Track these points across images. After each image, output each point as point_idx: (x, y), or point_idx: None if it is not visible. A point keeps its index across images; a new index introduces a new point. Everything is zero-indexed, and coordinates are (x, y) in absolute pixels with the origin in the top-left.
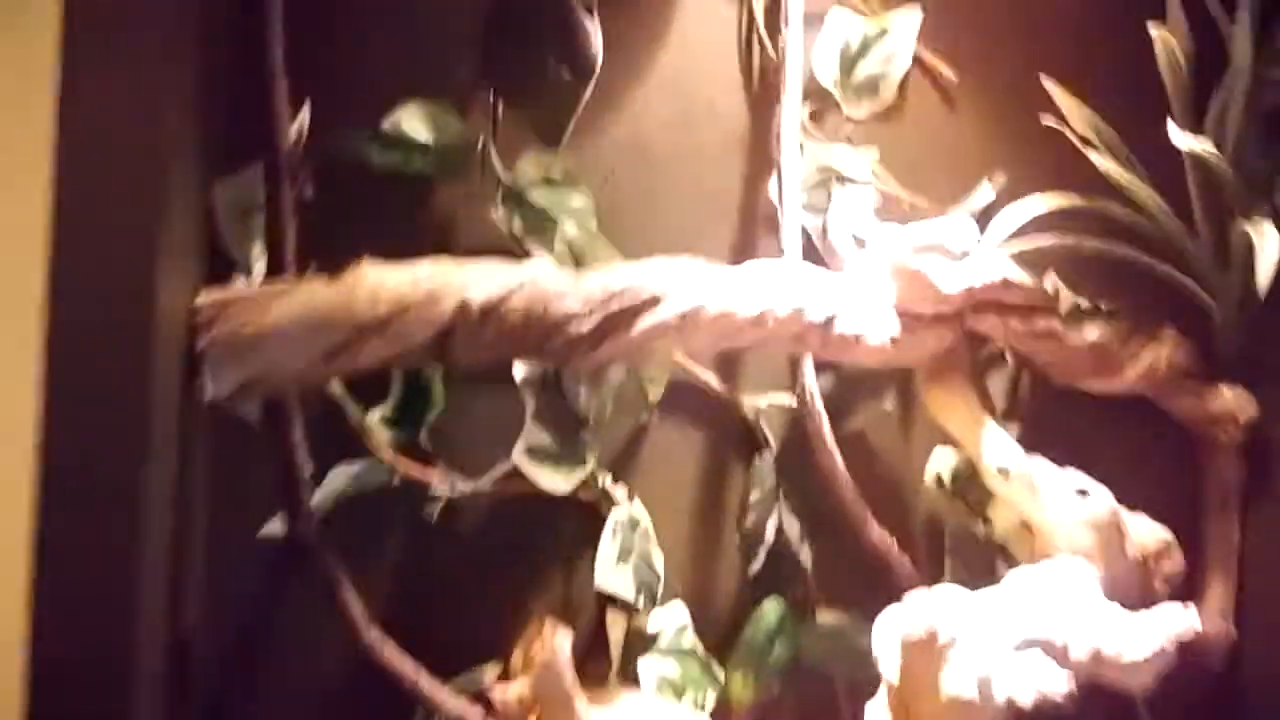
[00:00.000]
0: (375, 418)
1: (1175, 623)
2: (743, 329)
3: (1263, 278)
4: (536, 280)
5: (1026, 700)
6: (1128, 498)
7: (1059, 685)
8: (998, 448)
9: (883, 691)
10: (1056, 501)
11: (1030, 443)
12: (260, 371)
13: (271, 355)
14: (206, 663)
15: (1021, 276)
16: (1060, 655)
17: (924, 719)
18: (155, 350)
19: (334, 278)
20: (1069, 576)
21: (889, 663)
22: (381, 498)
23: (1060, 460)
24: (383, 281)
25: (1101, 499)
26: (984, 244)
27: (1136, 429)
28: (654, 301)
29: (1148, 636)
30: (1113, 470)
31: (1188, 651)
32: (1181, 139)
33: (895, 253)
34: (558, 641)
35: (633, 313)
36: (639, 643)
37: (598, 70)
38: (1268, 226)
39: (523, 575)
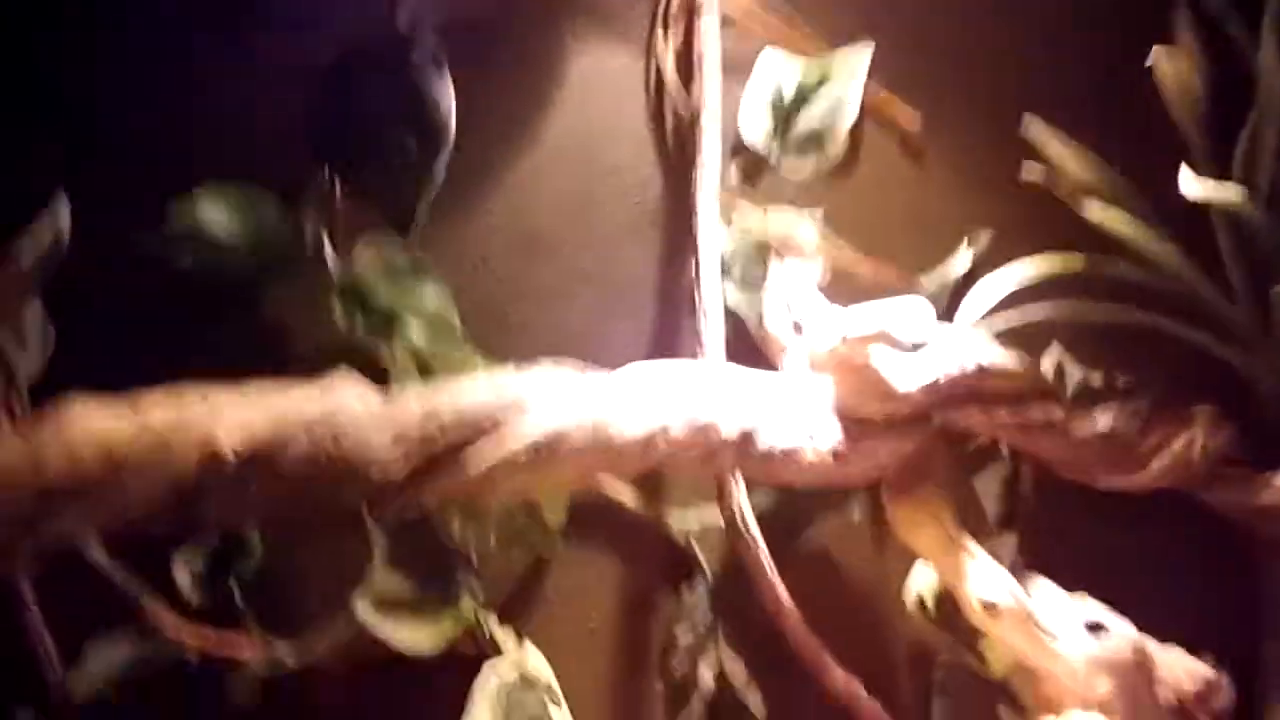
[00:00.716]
0: (183, 572)
1: None
2: (626, 456)
3: None
4: (331, 410)
5: None
6: (1160, 621)
7: None
8: (982, 576)
9: None
10: (1062, 639)
11: (1034, 555)
12: None
13: None
14: None
15: (1004, 359)
16: None
17: None
18: None
19: (28, 426)
20: None
21: None
22: (183, 677)
23: (1071, 577)
24: (89, 428)
25: (1120, 635)
26: (957, 322)
27: (1171, 531)
28: (495, 429)
29: None
30: (1142, 585)
31: None
32: (1194, 186)
33: (836, 343)
34: None
35: (467, 449)
36: None
37: (450, 138)
38: None
39: None
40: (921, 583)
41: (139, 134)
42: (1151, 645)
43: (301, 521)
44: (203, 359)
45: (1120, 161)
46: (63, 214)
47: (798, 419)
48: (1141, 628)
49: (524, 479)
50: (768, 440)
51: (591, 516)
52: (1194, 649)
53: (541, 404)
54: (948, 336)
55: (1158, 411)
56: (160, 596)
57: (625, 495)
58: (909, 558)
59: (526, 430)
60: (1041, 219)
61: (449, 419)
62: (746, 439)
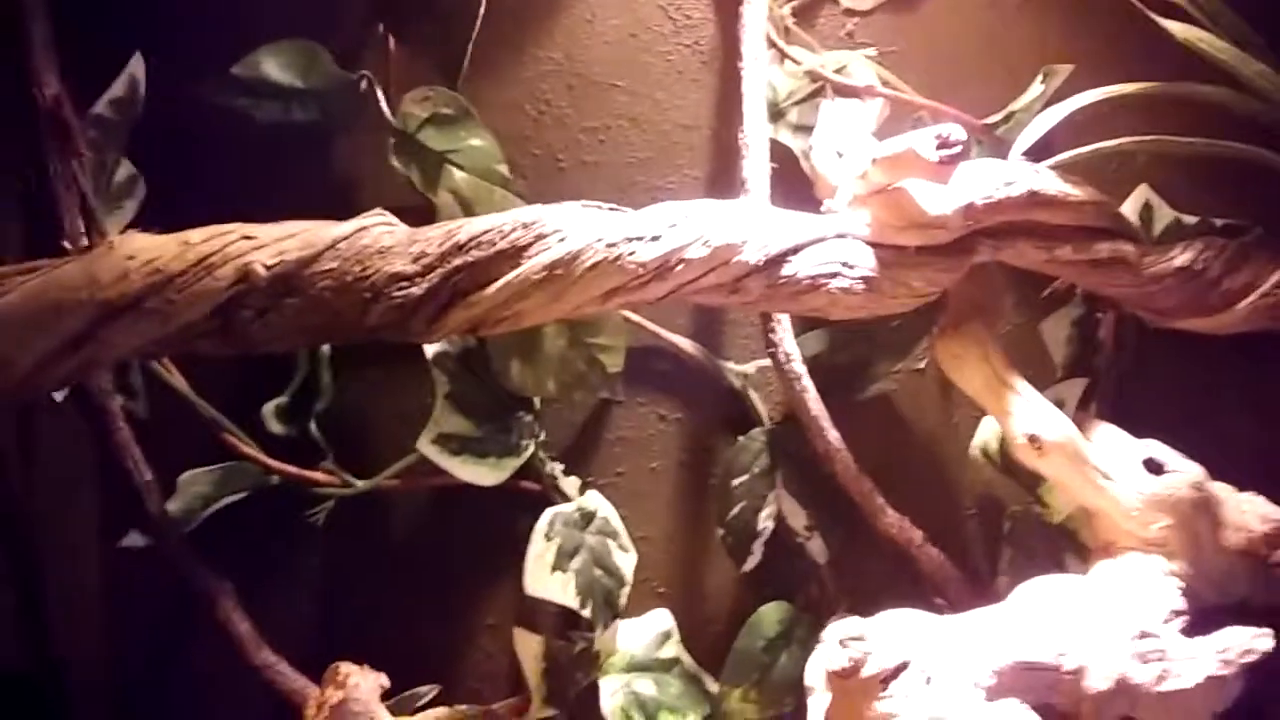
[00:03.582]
0: (270, 410)
1: (1235, 643)
2: (642, 280)
3: None
4: (357, 238)
5: None
6: (1261, 470)
7: None
8: (1028, 413)
9: None
10: (1117, 478)
11: (1117, 404)
12: None
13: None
14: (103, 688)
15: (1062, 189)
16: (1071, 687)
17: None
18: None
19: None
20: (1120, 580)
21: (818, 698)
22: (275, 500)
23: (1167, 427)
24: (138, 250)
25: (1181, 473)
26: (1014, 150)
27: (1273, 380)
28: (515, 253)
29: (1195, 663)
30: (1242, 435)
31: None
32: None
33: (867, 170)
34: (353, 681)
35: (484, 269)
36: (580, 666)
37: None
38: None
39: (458, 582)
40: (988, 432)
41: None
42: (1220, 487)
43: (371, 362)
44: (275, 203)
45: None
46: (139, 71)
47: (829, 249)
48: (1229, 479)
49: (541, 301)
50: (796, 268)
51: (651, 364)
52: None
53: (562, 231)
54: (991, 164)
55: (1249, 249)
56: (248, 433)
57: (682, 342)
58: (978, 406)
59: (544, 254)
60: (1128, 49)
61: (469, 242)
62: (772, 265)
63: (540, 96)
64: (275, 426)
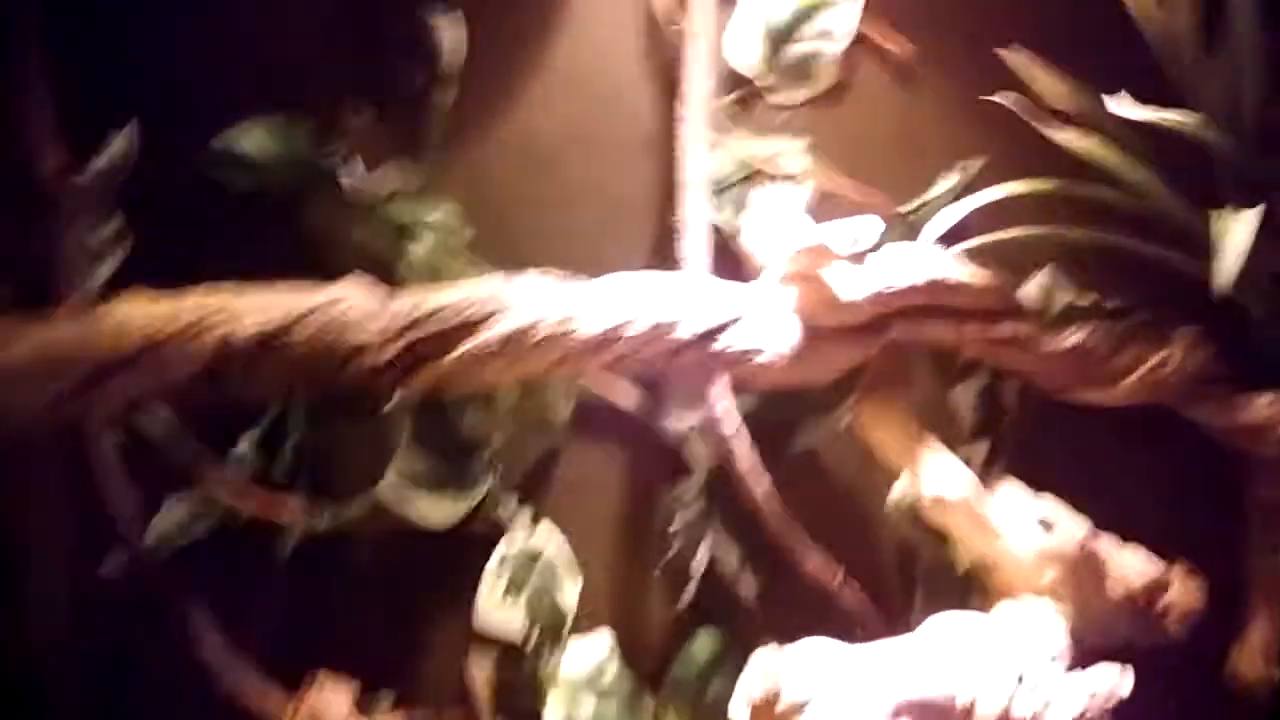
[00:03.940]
0: (244, 446)
1: (1102, 684)
2: (590, 350)
3: (1221, 276)
4: (332, 306)
5: None
6: (1152, 523)
7: None
8: (936, 473)
9: None
10: (1011, 534)
11: (1017, 462)
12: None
13: (3, 396)
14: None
15: (963, 275)
16: (961, 717)
17: None
18: None
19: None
20: (1007, 624)
21: None
22: (239, 534)
23: (1061, 485)
24: (132, 315)
25: (1068, 531)
26: (921, 239)
27: (1161, 444)
28: (470, 326)
29: (1071, 699)
30: (1130, 493)
31: (1230, 695)
32: (1132, 110)
33: (789, 257)
34: (326, 691)
35: (446, 338)
36: (524, 690)
37: (455, 72)
38: (1244, 215)
39: (416, 612)
40: (904, 485)
41: (195, 69)
42: (1105, 544)
43: (339, 406)
44: (248, 266)
45: (1105, 91)
46: (134, 135)
47: (759, 324)
48: (1122, 536)
49: (498, 367)
50: (728, 341)
51: (598, 414)
52: (1170, 557)
53: (516, 303)
54: (901, 253)
55: (1136, 330)
56: (220, 468)
57: (626, 397)
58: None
59: (500, 324)
60: (1027, 146)
61: (433, 312)
62: (706, 339)
63: (496, 172)
64: (251, 460)
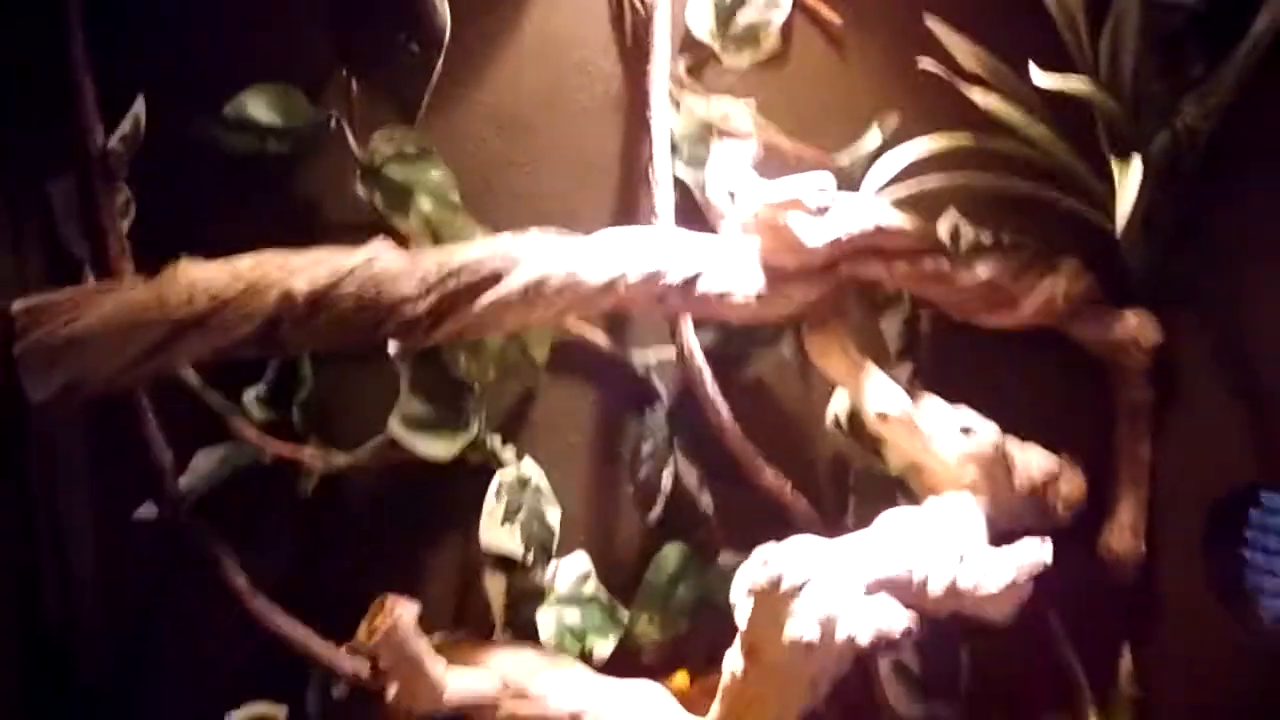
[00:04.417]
0: (250, 398)
1: (1027, 556)
2: (594, 297)
3: (1121, 211)
4: (369, 266)
5: (864, 639)
6: (1038, 425)
7: (897, 623)
8: (877, 392)
9: (737, 640)
10: (940, 440)
11: (933, 379)
12: (79, 374)
13: (88, 357)
14: (97, 645)
15: (899, 221)
16: (918, 591)
17: (770, 661)
18: None
19: (150, 277)
20: (943, 515)
21: (741, 608)
22: (263, 476)
23: (969, 394)
24: (199, 277)
25: (984, 435)
26: (864, 190)
27: (1046, 359)
28: (495, 277)
29: (1002, 571)
30: (1023, 400)
31: (1102, 566)
32: (1043, 77)
33: (758, 208)
34: (398, 611)
35: (472, 290)
36: (530, 598)
37: (446, 39)
38: (1135, 160)
39: (418, 540)
40: (839, 405)
41: (198, 41)
42: (1011, 444)
43: (349, 355)
44: (249, 227)
45: (1013, 53)
46: (141, 110)
47: (731, 269)
48: (1016, 434)
49: (517, 315)
50: (706, 285)
51: (571, 355)
52: (1057, 452)
53: (530, 258)
54: (850, 202)
55: (1030, 262)
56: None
57: (598, 337)
58: (830, 385)
59: (518, 277)
60: (942, 104)
61: (460, 268)
62: (689, 284)
63: (474, 134)
64: (257, 413)
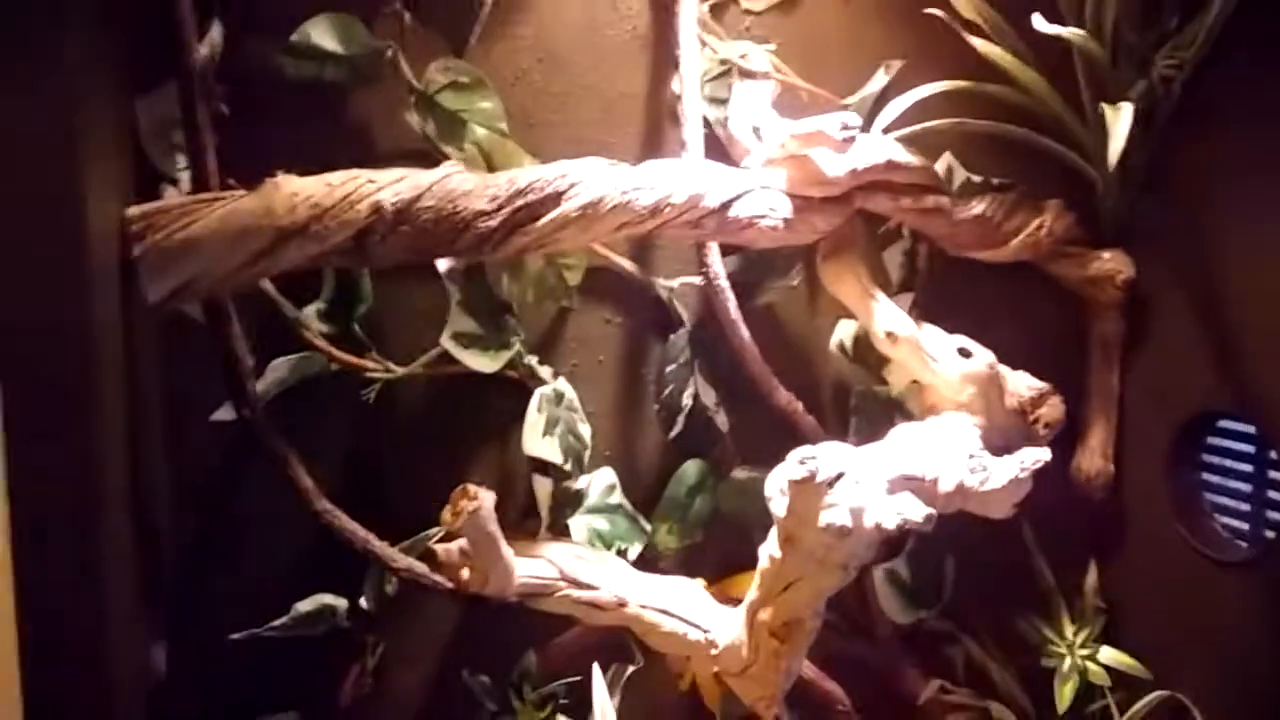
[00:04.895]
0: (310, 312)
1: (1027, 458)
2: (642, 218)
3: (1112, 154)
4: (446, 182)
5: (890, 525)
6: (1018, 355)
7: (918, 512)
8: (886, 316)
9: (774, 530)
10: (941, 361)
11: (928, 310)
12: (193, 276)
13: (201, 261)
14: (173, 537)
15: (908, 158)
16: (930, 489)
17: (806, 547)
18: (90, 260)
19: (253, 188)
20: (946, 428)
21: (778, 502)
22: (324, 385)
23: (959, 324)
24: (299, 189)
25: (981, 357)
26: (873, 129)
27: (1029, 294)
28: (557, 197)
29: (1003, 471)
30: (1006, 331)
31: (1074, 485)
32: (1044, 25)
33: (786, 140)
34: (481, 493)
35: (537, 207)
36: (569, 503)
37: None
38: (1125, 107)
39: (460, 448)
40: (843, 332)
41: None
42: (1003, 367)
43: (403, 274)
44: (307, 151)
45: (1005, 6)
46: (218, 35)
47: (760, 197)
48: (1002, 361)
49: (575, 233)
50: (738, 211)
51: (600, 281)
52: (1038, 376)
53: (588, 181)
54: (865, 139)
55: (1019, 202)
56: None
57: (626, 264)
58: (835, 313)
59: (578, 198)
60: (944, 49)
61: (527, 187)
62: (724, 209)
63: (516, 66)
64: (318, 326)
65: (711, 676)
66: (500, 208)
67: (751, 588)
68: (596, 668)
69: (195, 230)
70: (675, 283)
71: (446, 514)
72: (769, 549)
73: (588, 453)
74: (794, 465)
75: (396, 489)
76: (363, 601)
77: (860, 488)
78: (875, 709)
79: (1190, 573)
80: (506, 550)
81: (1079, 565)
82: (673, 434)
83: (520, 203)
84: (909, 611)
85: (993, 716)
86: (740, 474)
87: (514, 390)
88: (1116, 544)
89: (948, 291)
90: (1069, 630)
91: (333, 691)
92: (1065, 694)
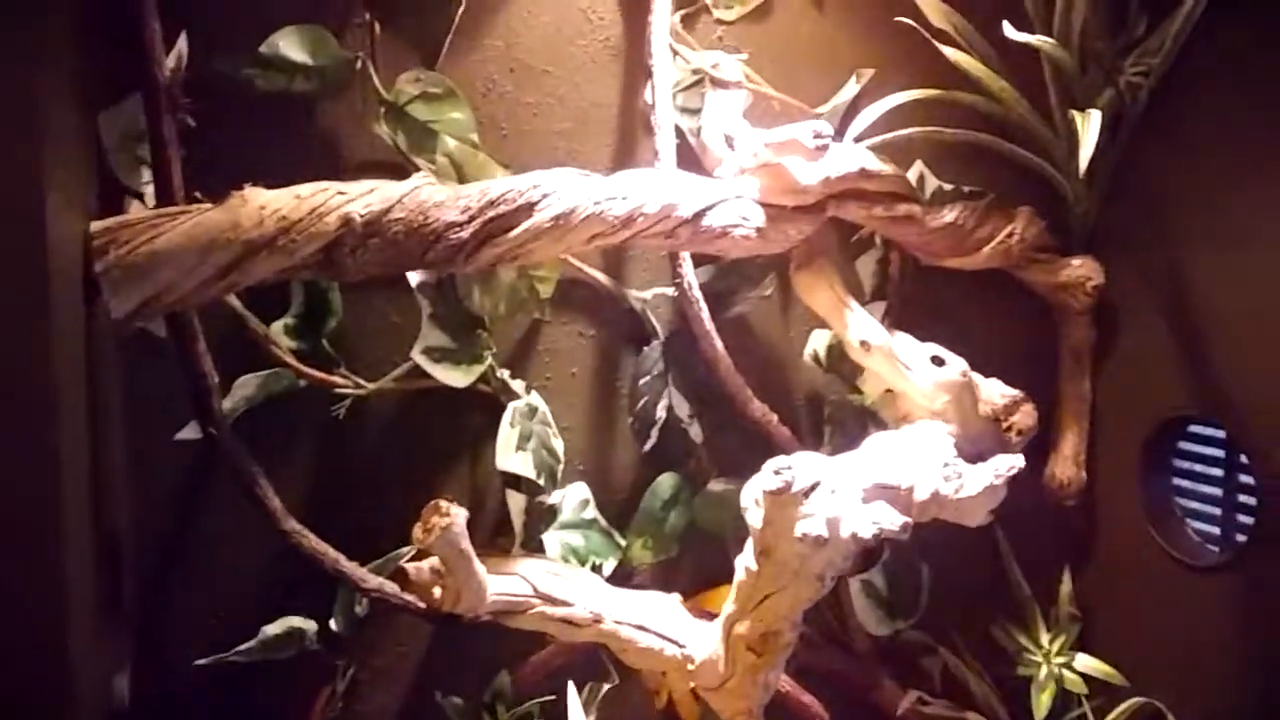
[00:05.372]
0: (278, 328)
1: (1001, 465)
2: (615, 228)
3: (1082, 161)
4: (416, 194)
5: (867, 534)
6: (991, 363)
7: (894, 521)
8: (860, 325)
9: (749, 542)
10: (915, 369)
11: (901, 319)
12: (158, 290)
13: (167, 275)
14: (136, 559)
15: (880, 166)
16: (906, 498)
17: (783, 559)
18: (52, 275)
19: (219, 201)
20: (921, 437)
21: (754, 514)
22: (291, 401)
23: (931, 333)
24: (267, 202)
25: (954, 365)
26: (845, 138)
27: (1000, 301)
28: (529, 208)
29: (978, 479)
30: (978, 339)
31: (1047, 493)
32: (1014, 33)
33: (760, 149)
34: (453, 509)
35: (510, 218)
36: (543, 519)
37: None
38: (1094, 114)
39: (431, 464)
40: (816, 342)
41: None
42: (976, 376)
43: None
44: (273, 164)
45: (979, 14)
46: (184, 48)
47: (733, 206)
48: (974, 369)
49: (548, 243)
50: (713, 220)
51: (573, 293)
52: (1010, 383)
53: (560, 191)
54: (838, 148)
55: (990, 209)
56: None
57: (597, 275)
58: (809, 323)
59: (550, 208)
60: (915, 58)
61: (499, 198)
62: (697, 218)
63: (487, 77)
64: (286, 342)
65: (688, 692)
66: (472, 219)
67: (728, 601)
68: (571, 686)
69: (160, 244)
70: (649, 294)
71: (418, 530)
72: (745, 561)
73: (561, 467)
74: (769, 476)
75: (367, 507)
76: (332, 623)
77: (836, 497)
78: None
79: (1164, 578)
80: (479, 567)
81: (1053, 573)
82: (647, 447)
83: (492, 214)
84: (886, 623)
85: None
86: (716, 486)
87: (486, 405)
88: (1090, 551)
89: (920, 300)
90: (1045, 638)
91: (302, 716)
92: (1043, 702)
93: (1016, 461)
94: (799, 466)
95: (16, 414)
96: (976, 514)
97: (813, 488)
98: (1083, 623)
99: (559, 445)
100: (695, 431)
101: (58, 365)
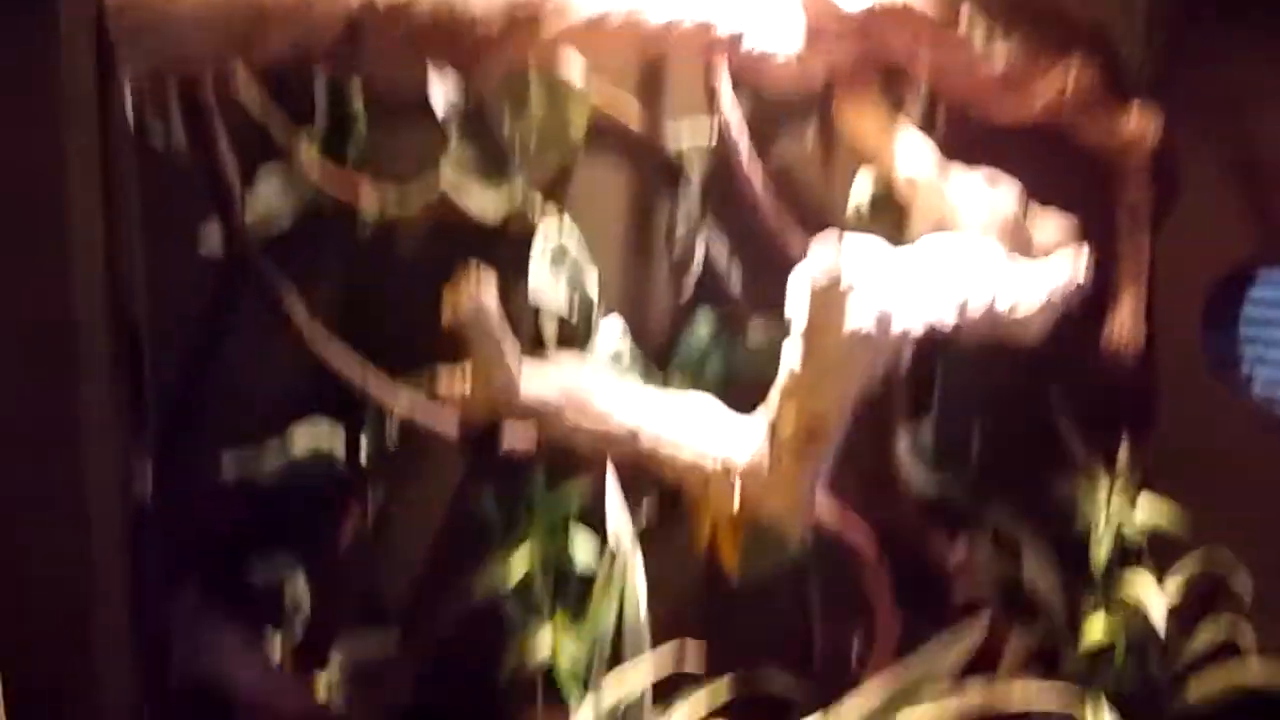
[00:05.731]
0: (303, 135)
1: (1059, 276)
2: (650, 37)
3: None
4: None
5: (918, 330)
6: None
7: (947, 317)
8: (908, 157)
9: (794, 335)
10: (965, 204)
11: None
12: (170, 56)
13: (181, 38)
14: (160, 371)
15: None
16: (960, 310)
17: (827, 355)
18: (64, 40)
19: None
20: (975, 246)
21: (798, 307)
22: (317, 222)
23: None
24: None
25: (1008, 189)
26: None
27: (1052, 160)
28: (561, 9)
29: (1034, 292)
30: (1031, 197)
31: (1107, 352)
32: None
33: None
34: (484, 285)
35: (540, 18)
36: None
37: None
38: None
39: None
40: (859, 192)
41: None
42: (1030, 207)
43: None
44: None
45: None
46: None
47: (773, 30)
48: None
49: (580, 46)
50: (751, 43)
51: (607, 134)
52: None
53: None
54: None
55: (1041, 52)
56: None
57: (632, 115)
58: (851, 171)
59: (583, 10)
60: None
61: None
62: (737, 39)
63: None
64: (312, 155)
65: (730, 525)
66: (501, 14)
67: (771, 398)
68: (611, 465)
69: (175, 6)
70: (685, 133)
71: (447, 308)
72: (789, 359)
73: (596, 301)
74: (816, 265)
75: (395, 328)
76: (361, 457)
77: (886, 291)
78: (904, 567)
79: (1229, 434)
80: (512, 350)
81: (1114, 430)
82: (684, 293)
83: (520, 14)
84: (934, 480)
85: (1023, 581)
86: (756, 335)
87: (514, 240)
88: (1152, 407)
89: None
90: (1103, 493)
91: (332, 535)
92: (1100, 556)
93: (1075, 272)
94: (849, 258)
95: (30, 196)
96: (1031, 330)
97: (861, 280)
98: (1143, 478)
99: (593, 278)
100: (734, 272)
101: (67, 153)
